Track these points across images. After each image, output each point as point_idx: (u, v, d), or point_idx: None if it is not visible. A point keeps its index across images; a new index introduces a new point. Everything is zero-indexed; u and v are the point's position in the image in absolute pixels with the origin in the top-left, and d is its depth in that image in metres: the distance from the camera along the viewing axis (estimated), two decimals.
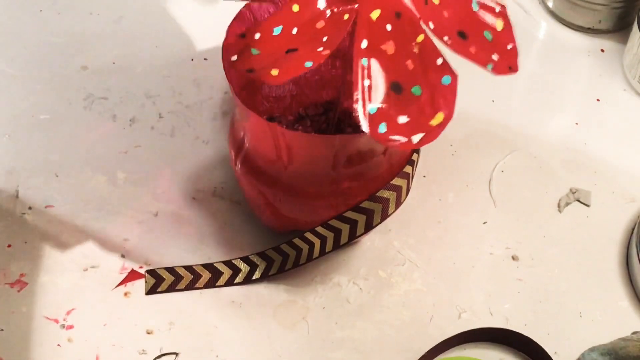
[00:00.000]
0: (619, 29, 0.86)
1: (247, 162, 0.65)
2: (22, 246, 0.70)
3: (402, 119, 0.56)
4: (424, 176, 0.75)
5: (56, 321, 0.66)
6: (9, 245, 0.70)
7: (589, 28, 0.86)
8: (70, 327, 0.66)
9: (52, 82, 0.80)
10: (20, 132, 0.77)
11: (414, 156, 0.67)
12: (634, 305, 0.69)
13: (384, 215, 0.65)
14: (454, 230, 0.72)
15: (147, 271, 0.68)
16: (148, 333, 0.66)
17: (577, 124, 0.79)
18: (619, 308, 0.69)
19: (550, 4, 0.87)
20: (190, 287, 0.68)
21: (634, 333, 0.66)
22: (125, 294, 0.68)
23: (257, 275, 0.69)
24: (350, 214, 0.65)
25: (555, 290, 0.69)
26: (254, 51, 0.58)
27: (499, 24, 0.63)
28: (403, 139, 0.56)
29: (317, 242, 0.66)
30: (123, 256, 0.70)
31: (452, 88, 0.58)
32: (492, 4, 0.64)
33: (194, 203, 0.73)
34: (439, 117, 0.57)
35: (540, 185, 0.75)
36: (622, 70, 0.83)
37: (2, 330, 0.66)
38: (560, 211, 0.74)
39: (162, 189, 0.74)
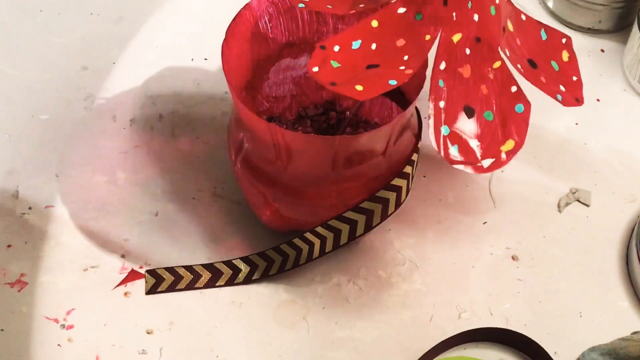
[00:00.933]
0: (619, 29, 0.86)
1: (247, 162, 0.65)
2: (22, 246, 0.70)
3: (473, 143, 0.57)
4: (424, 176, 0.75)
5: (56, 321, 0.66)
6: (9, 246, 0.70)
7: (589, 28, 0.86)
8: (71, 327, 0.66)
9: (52, 82, 0.80)
10: (20, 132, 0.77)
11: (414, 156, 0.67)
12: (634, 305, 0.69)
13: (384, 216, 0.65)
14: (454, 230, 0.72)
15: (147, 271, 0.68)
16: (148, 333, 0.66)
17: (577, 124, 0.79)
18: (619, 308, 0.69)
19: (550, 4, 0.87)
20: (190, 287, 0.68)
21: (634, 333, 0.66)
22: (125, 294, 0.68)
23: (257, 275, 0.69)
24: (350, 214, 0.65)
25: (555, 290, 0.69)
26: (334, 64, 0.58)
27: (564, 55, 0.64)
28: (474, 163, 0.57)
29: (317, 242, 0.66)
30: (123, 256, 0.70)
31: (525, 117, 0.59)
32: (558, 35, 0.64)
33: (194, 203, 0.73)
34: (509, 144, 0.58)
35: (540, 185, 0.75)
36: (622, 70, 0.83)
37: (2, 330, 0.66)
38: (560, 211, 0.74)
39: (162, 189, 0.74)
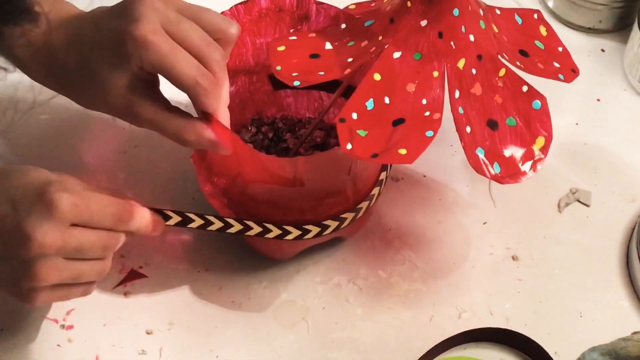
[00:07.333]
0: (619, 28, 0.86)
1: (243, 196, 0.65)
2: None
3: (507, 152, 0.58)
4: (424, 176, 0.75)
5: (56, 321, 0.66)
6: None
7: (589, 28, 0.86)
8: (70, 327, 0.66)
9: None
10: (20, 132, 0.77)
11: (383, 174, 0.68)
12: (634, 305, 0.69)
13: (353, 220, 0.66)
14: (454, 230, 0.72)
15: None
16: (148, 333, 0.66)
17: (577, 124, 0.79)
18: (619, 308, 0.69)
19: (550, 4, 0.87)
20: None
21: (634, 333, 0.66)
22: (125, 294, 0.68)
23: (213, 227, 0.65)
24: (328, 222, 0.65)
25: (555, 290, 0.69)
26: (361, 133, 0.57)
27: (542, 30, 0.64)
28: (516, 172, 0.58)
29: (296, 232, 0.65)
30: (123, 256, 0.70)
31: (545, 110, 0.59)
32: (529, 13, 0.64)
33: (194, 203, 0.73)
34: (540, 141, 0.59)
35: (540, 185, 0.75)
36: (622, 70, 0.83)
37: (1, 330, 0.66)
38: (560, 211, 0.74)
39: (162, 189, 0.74)
